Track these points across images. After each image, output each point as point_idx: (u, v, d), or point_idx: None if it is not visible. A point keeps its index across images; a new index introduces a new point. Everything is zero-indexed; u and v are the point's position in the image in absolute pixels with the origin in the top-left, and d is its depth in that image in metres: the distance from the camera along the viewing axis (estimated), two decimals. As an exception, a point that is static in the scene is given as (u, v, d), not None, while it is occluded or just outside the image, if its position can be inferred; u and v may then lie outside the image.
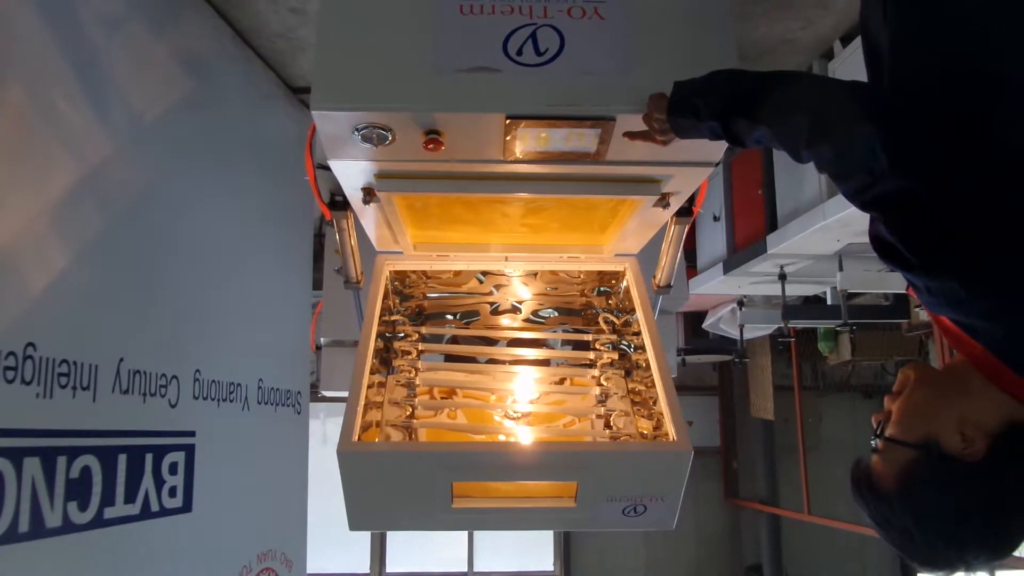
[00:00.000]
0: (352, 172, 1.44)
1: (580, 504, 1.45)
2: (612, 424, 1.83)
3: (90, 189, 1.83)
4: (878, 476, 0.98)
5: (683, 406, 1.54)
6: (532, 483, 1.55)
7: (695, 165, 1.38)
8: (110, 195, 1.92)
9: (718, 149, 1.33)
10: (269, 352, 2.74)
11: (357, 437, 1.52)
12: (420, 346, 2.04)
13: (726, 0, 1.36)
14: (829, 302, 3.77)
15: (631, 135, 1.26)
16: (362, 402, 1.60)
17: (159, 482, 2.04)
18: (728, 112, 1.11)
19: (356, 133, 1.27)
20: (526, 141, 1.29)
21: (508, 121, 1.24)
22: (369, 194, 1.50)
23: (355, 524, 1.47)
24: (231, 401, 2.45)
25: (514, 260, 2.03)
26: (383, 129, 1.26)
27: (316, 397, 5.59)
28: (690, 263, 4.03)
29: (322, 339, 4.29)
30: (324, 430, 6.93)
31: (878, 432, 1.00)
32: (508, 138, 1.28)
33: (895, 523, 0.97)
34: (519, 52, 1.26)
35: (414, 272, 2.12)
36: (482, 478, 1.50)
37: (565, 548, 6.63)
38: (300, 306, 3.11)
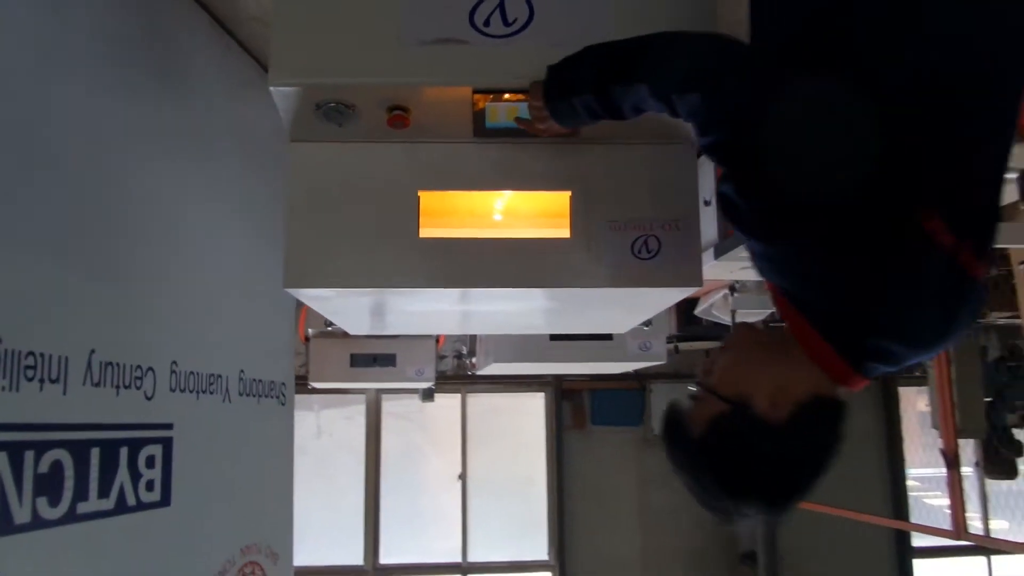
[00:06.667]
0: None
1: (576, 233, 1.27)
2: None
3: (53, 176, 1.78)
4: (689, 421, 1.03)
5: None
6: (518, 220, 1.37)
7: (671, 143, 1.33)
8: (77, 182, 1.86)
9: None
10: (251, 343, 2.69)
11: None
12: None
13: (702, -33, 1.32)
14: (821, 286, 3.71)
15: (519, 121, 1.23)
16: None
17: (135, 476, 2.00)
18: (602, 80, 1.09)
19: (318, 111, 1.22)
20: (496, 116, 1.24)
21: (476, 95, 1.19)
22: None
23: (293, 275, 1.37)
24: (211, 393, 2.40)
25: None
26: (346, 105, 1.21)
27: (306, 389, 5.58)
28: (681, 249, 3.97)
29: (310, 330, 4.24)
30: (318, 423, 6.91)
31: (700, 381, 1.05)
32: (476, 112, 1.24)
33: (692, 468, 1.03)
34: (486, 23, 1.21)
35: None
36: (456, 185, 1.32)
37: (560, 536, 6.61)
38: (284, 295, 3.05)
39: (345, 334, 4.04)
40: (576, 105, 1.13)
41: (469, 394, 6.75)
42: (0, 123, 1.61)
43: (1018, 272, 3.01)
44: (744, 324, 1.09)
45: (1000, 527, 6.84)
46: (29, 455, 1.66)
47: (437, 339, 4.46)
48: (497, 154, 1.29)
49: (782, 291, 1.02)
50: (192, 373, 2.30)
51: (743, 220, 1.00)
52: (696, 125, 1.03)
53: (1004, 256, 3.58)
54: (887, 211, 0.90)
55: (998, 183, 1.00)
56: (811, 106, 0.93)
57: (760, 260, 1.04)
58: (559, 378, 6.72)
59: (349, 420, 6.81)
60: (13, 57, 1.66)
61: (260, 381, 2.76)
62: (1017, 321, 3.78)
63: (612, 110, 1.12)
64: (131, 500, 1.98)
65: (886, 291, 0.92)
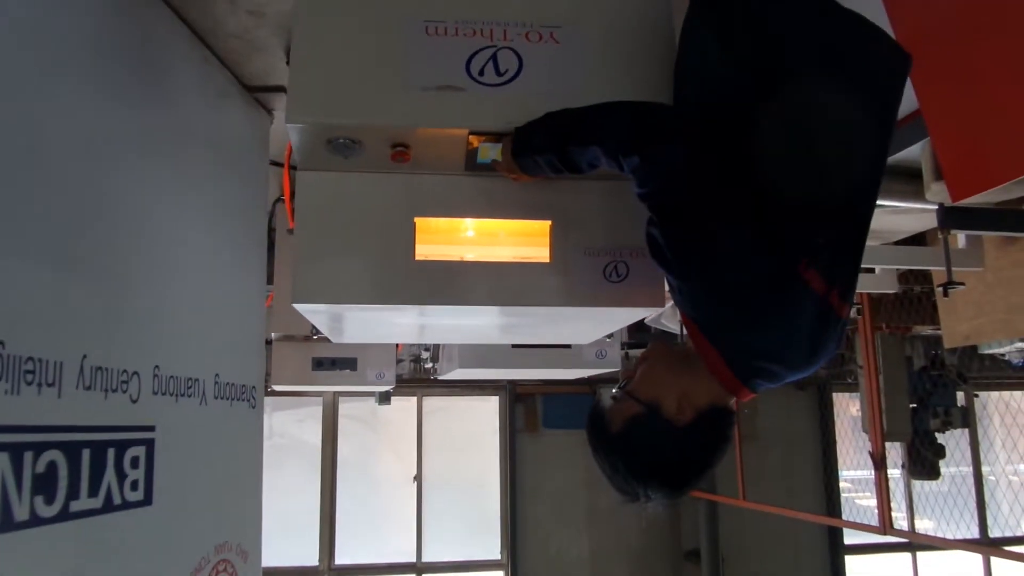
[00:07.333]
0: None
1: (555, 258, 1.43)
2: None
3: (52, 186, 1.85)
4: (609, 417, 1.25)
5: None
6: (503, 245, 1.50)
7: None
8: (71, 192, 1.94)
9: None
10: (226, 347, 2.78)
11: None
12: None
13: (670, 29, 1.49)
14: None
15: (494, 164, 1.40)
16: None
17: (121, 476, 2.08)
18: (563, 142, 1.29)
19: (328, 144, 1.36)
20: (486, 154, 1.40)
21: (471, 136, 1.35)
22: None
23: (301, 291, 1.38)
24: (189, 396, 2.48)
25: None
26: (354, 141, 1.35)
27: (265, 391, 5.61)
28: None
29: (272, 334, 4.31)
30: (270, 423, 6.93)
31: (621, 385, 1.26)
32: (469, 151, 1.39)
33: (608, 456, 1.24)
34: (481, 72, 1.37)
35: None
36: (448, 213, 1.45)
37: (512, 537, 6.77)
38: (255, 301, 3.15)
39: (307, 338, 4.13)
40: (539, 161, 1.34)
41: (424, 397, 6.86)
42: None
43: (938, 291, 3.30)
44: (658, 344, 1.32)
45: (926, 527, 7.26)
46: (28, 456, 1.74)
47: (396, 343, 4.55)
48: (486, 186, 1.45)
49: (691, 318, 1.24)
50: (172, 377, 2.38)
51: (664, 259, 1.22)
52: (635, 179, 1.24)
53: (926, 276, 3.89)
54: (775, 263, 1.14)
55: (860, 245, 1.27)
56: (717, 173, 1.16)
57: (676, 293, 1.25)
58: (513, 382, 6.89)
59: (301, 423, 6.86)
60: (3, 64, 1.72)
61: (233, 385, 2.84)
62: (939, 332, 4.09)
63: (571, 166, 1.32)
64: (117, 499, 2.06)
65: (770, 324, 1.17)
